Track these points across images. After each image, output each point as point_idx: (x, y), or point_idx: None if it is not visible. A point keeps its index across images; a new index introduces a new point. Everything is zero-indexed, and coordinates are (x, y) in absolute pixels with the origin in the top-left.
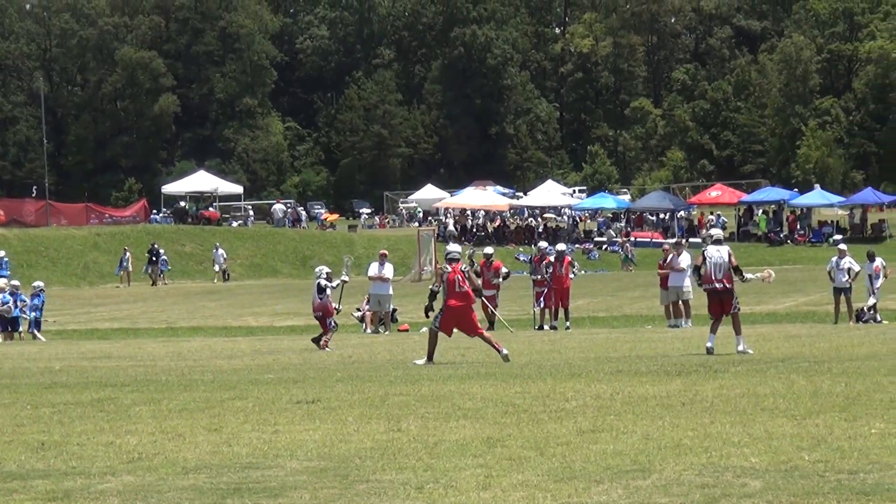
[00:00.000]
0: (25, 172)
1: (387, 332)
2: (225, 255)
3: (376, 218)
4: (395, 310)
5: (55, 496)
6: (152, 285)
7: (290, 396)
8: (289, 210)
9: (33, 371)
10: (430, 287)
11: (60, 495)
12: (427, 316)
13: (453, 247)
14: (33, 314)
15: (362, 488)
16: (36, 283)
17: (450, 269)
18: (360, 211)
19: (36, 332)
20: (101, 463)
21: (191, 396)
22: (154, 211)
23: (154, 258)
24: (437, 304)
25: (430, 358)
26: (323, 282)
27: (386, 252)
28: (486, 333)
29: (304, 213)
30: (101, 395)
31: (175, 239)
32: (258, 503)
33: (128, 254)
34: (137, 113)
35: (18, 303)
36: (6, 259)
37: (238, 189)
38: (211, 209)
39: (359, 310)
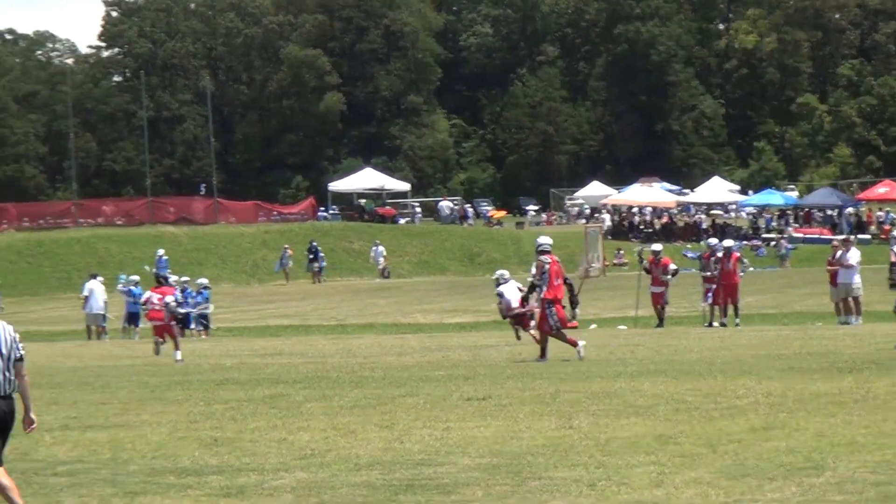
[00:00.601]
0: (194, 170)
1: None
2: (384, 253)
3: (543, 215)
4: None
5: (229, 492)
6: (313, 283)
7: (461, 393)
8: (456, 207)
9: (205, 368)
10: (531, 280)
11: (234, 491)
12: (523, 306)
13: (544, 239)
14: (195, 311)
15: (534, 485)
16: (200, 281)
17: (549, 261)
18: (527, 208)
19: (196, 328)
20: (274, 459)
21: (362, 393)
22: (321, 208)
23: (313, 256)
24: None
25: (543, 355)
26: (500, 289)
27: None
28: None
29: (470, 210)
30: (273, 392)
31: (343, 236)
32: (431, 500)
33: (288, 251)
34: (303, 111)
35: (190, 300)
36: (166, 257)
37: (405, 186)
38: (386, 206)
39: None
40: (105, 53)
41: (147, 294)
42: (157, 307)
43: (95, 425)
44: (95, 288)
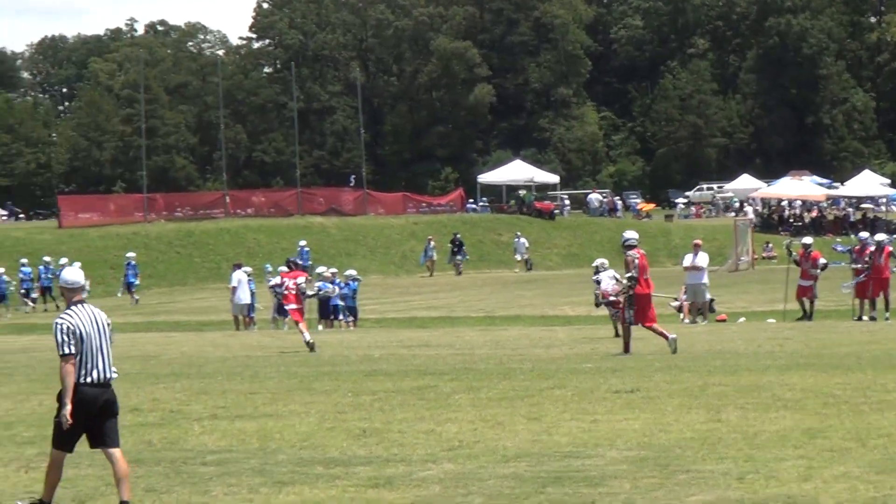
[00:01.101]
0: (343, 162)
1: (704, 322)
2: (527, 244)
3: (692, 207)
4: (712, 300)
5: (377, 482)
6: (457, 275)
7: (609, 386)
8: (605, 200)
9: (353, 359)
10: (630, 274)
11: (382, 482)
12: (616, 297)
13: (630, 233)
14: (342, 303)
15: (682, 478)
16: (348, 272)
17: (637, 255)
18: (676, 201)
19: (344, 319)
20: (421, 450)
21: (510, 385)
22: (470, 200)
23: (456, 248)
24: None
25: (626, 350)
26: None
27: (700, 242)
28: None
29: (619, 202)
30: (420, 384)
31: (492, 228)
32: (578, 492)
33: (432, 243)
34: (453, 103)
35: (338, 290)
36: (307, 248)
37: (554, 178)
38: (546, 201)
39: (676, 300)
40: (256, 45)
41: (278, 279)
42: (292, 291)
43: (244, 415)
44: (242, 278)
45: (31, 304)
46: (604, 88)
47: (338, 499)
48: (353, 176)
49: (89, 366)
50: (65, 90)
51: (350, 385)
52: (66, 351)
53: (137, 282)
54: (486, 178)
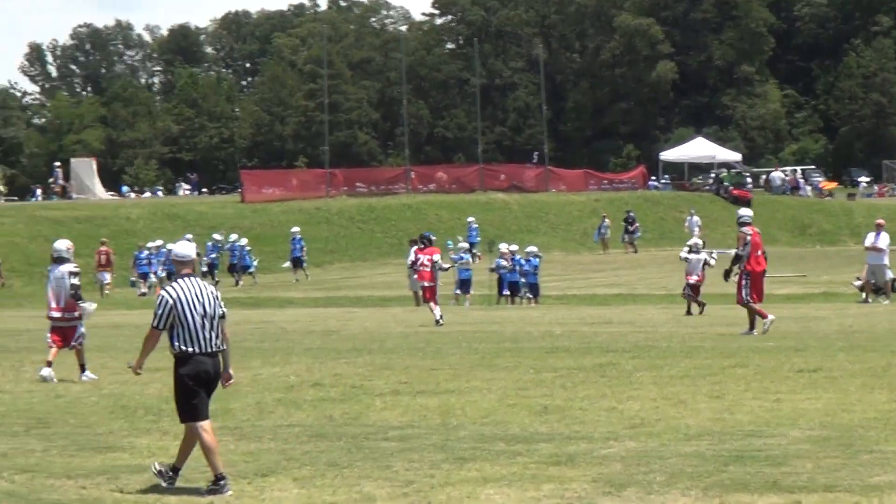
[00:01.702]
0: (525, 138)
1: (886, 302)
2: (700, 223)
3: (875, 187)
4: (894, 280)
5: (559, 459)
6: (633, 252)
7: (791, 365)
8: (787, 178)
9: (535, 335)
10: (736, 251)
11: (564, 459)
12: (727, 280)
13: (745, 211)
14: (524, 279)
15: (865, 458)
16: (529, 248)
17: (751, 233)
18: (859, 179)
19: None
20: (603, 428)
21: (692, 363)
22: (652, 177)
23: (629, 225)
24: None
25: (752, 328)
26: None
27: (883, 222)
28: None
29: (802, 181)
30: (602, 361)
31: (673, 206)
32: (760, 471)
33: (606, 220)
34: (635, 80)
35: (517, 267)
36: (475, 225)
37: (736, 156)
38: (745, 189)
39: (858, 279)
40: (438, 21)
41: (413, 256)
42: (426, 268)
43: (426, 391)
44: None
45: None
46: (787, 66)
47: (519, 475)
48: (536, 153)
49: (193, 336)
50: (248, 65)
51: (532, 362)
52: (155, 324)
53: (305, 257)
54: (667, 155)
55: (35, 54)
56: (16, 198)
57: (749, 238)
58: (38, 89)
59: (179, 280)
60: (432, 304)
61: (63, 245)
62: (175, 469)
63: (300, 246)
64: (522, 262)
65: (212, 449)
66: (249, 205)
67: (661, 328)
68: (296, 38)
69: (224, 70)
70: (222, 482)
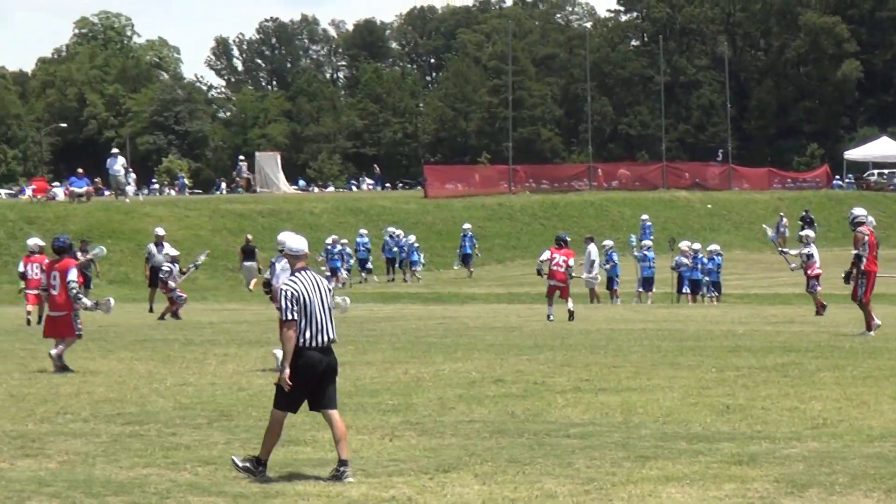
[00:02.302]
0: (708, 136)
1: None
2: (874, 223)
3: None
4: None
5: (740, 459)
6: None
7: None
8: None
9: (717, 334)
10: (856, 252)
11: (745, 459)
12: (847, 282)
13: (859, 210)
14: (707, 277)
15: None
16: (711, 247)
17: (867, 232)
18: None
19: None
20: (785, 428)
21: (875, 364)
22: (836, 177)
23: (806, 225)
24: None
25: (869, 328)
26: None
27: None
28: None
29: None
30: (784, 360)
31: (857, 205)
32: None
33: (784, 220)
34: (820, 78)
35: (698, 265)
36: (649, 223)
37: None
38: None
39: None
40: (623, 17)
41: (547, 254)
42: (560, 268)
43: (607, 388)
44: (592, 251)
45: (363, 274)
46: None
47: (701, 474)
48: (720, 151)
49: (314, 330)
50: (432, 60)
51: (713, 360)
52: (290, 317)
53: (474, 253)
54: (852, 154)
55: (221, 48)
56: (200, 191)
57: (867, 238)
58: (223, 83)
59: (298, 273)
60: (569, 300)
61: (290, 238)
62: (261, 461)
63: (472, 243)
64: (704, 260)
65: (272, 440)
66: (432, 200)
67: (844, 328)
68: (480, 34)
69: (408, 65)
70: (342, 469)
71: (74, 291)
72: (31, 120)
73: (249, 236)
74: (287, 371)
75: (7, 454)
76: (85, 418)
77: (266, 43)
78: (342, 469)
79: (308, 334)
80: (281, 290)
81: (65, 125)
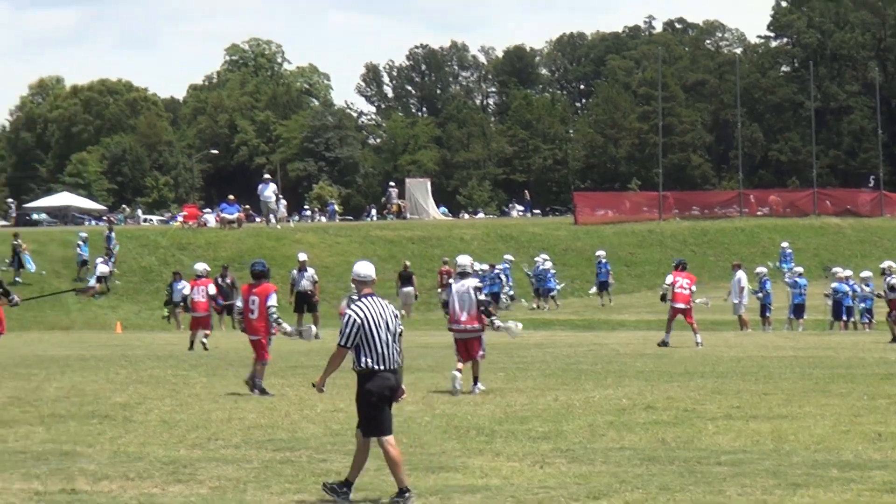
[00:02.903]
0: (859, 162)
1: None
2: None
3: None
4: None
5: (892, 487)
6: None
7: None
8: None
9: (868, 361)
10: None
11: None
12: None
13: None
14: (863, 304)
15: None
16: (864, 273)
17: None
18: None
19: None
20: None
21: None
22: None
23: None
24: None
25: None
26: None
27: None
28: None
29: None
30: None
31: None
32: None
33: None
34: None
35: (851, 292)
36: (790, 250)
37: None
38: None
39: None
40: (773, 43)
41: (670, 277)
42: (684, 290)
43: (758, 415)
44: (742, 278)
45: (505, 300)
46: None
47: (852, 503)
48: (872, 177)
49: (384, 354)
50: (582, 86)
51: (865, 388)
52: (342, 342)
53: (612, 281)
54: None
55: (372, 75)
56: (350, 217)
57: None
58: (373, 110)
59: (364, 299)
60: (694, 325)
61: (467, 260)
62: (348, 483)
63: (606, 270)
64: (857, 287)
65: (397, 462)
66: (582, 226)
67: None
68: (630, 60)
69: (558, 91)
70: (406, 495)
71: (275, 316)
72: (183, 146)
73: (407, 262)
74: (321, 380)
75: (159, 480)
76: (236, 444)
77: (416, 69)
78: (406, 495)
79: (377, 357)
80: (346, 314)
81: (216, 152)
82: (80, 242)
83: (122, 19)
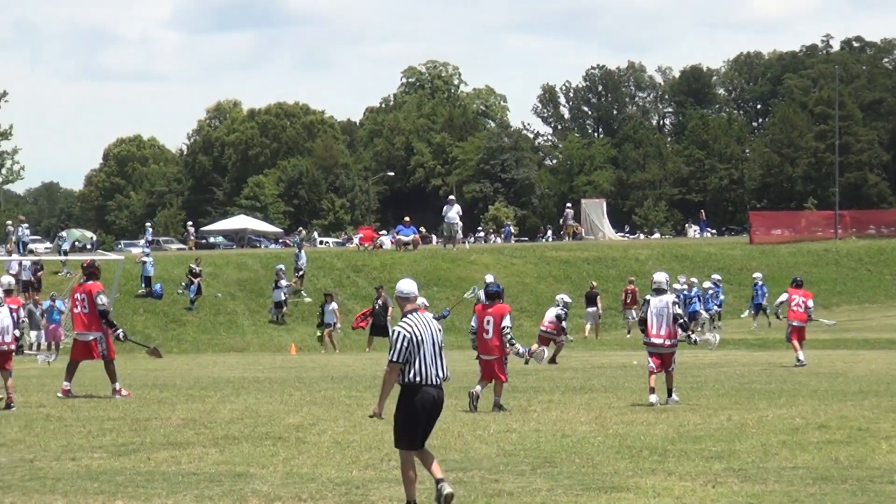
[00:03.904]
0: None
1: None
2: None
3: None
4: None
5: None
6: None
7: None
8: None
9: None
10: None
11: None
12: None
13: None
14: None
15: None
16: None
17: None
18: None
19: None
20: None
21: None
22: None
23: None
24: None
25: None
26: None
27: None
28: None
29: None
30: None
31: None
32: None
33: None
34: None
35: None
36: None
37: None
38: None
39: None
40: None
41: (786, 296)
42: (800, 309)
43: None
44: None
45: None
46: None
47: None
48: None
49: (429, 369)
50: (759, 106)
51: None
52: (394, 358)
53: (765, 303)
54: None
55: (548, 96)
56: (526, 238)
57: None
58: (550, 130)
59: (410, 315)
60: (795, 344)
61: (663, 277)
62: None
63: (762, 292)
64: None
65: (411, 480)
66: (758, 246)
67: None
68: (807, 79)
69: (735, 111)
70: (440, 484)
71: (508, 336)
72: (359, 169)
73: (593, 283)
74: (382, 407)
75: (332, 500)
76: None
77: (593, 90)
78: (440, 484)
79: (423, 372)
80: (395, 330)
81: (392, 174)
82: (145, 259)
83: (300, 42)
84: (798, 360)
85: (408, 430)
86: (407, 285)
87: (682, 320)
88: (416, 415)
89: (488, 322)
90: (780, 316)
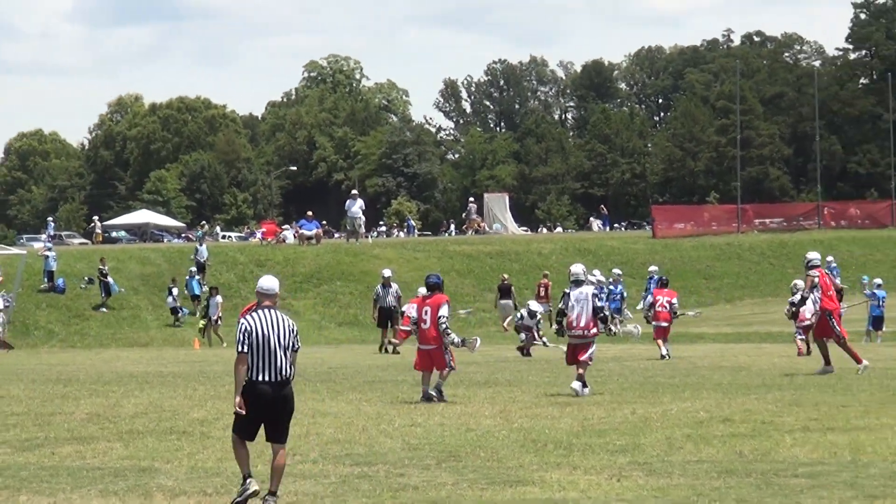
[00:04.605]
0: None
1: None
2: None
3: None
4: None
5: None
6: None
7: None
8: None
9: None
10: (802, 293)
11: None
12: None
13: (812, 254)
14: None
15: None
16: None
17: (818, 275)
18: None
19: None
20: None
21: None
22: None
23: None
24: None
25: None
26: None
27: None
28: None
29: None
30: None
31: None
32: None
33: None
34: None
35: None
36: (835, 264)
37: None
38: None
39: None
40: (852, 56)
41: (652, 297)
42: (665, 310)
43: (836, 427)
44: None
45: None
46: None
47: None
48: None
49: (263, 365)
50: (660, 100)
51: None
52: (239, 349)
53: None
54: None
55: (450, 90)
56: (429, 232)
57: (816, 280)
58: (452, 125)
59: (259, 311)
60: (659, 342)
61: (580, 268)
62: (244, 477)
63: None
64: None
65: (243, 457)
66: (660, 240)
67: None
68: (708, 74)
69: (637, 105)
70: (269, 499)
71: (444, 326)
72: (261, 163)
73: (505, 276)
74: (238, 398)
75: (237, 495)
76: (314, 459)
77: (494, 84)
78: (269, 499)
79: (257, 369)
80: (238, 322)
81: (294, 168)
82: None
83: (201, 36)
84: (662, 354)
85: (240, 420)
86: (268, 282)
87: (601, 314)
88: (248, 408)
89: (426, 312)
90: (650, 320)
